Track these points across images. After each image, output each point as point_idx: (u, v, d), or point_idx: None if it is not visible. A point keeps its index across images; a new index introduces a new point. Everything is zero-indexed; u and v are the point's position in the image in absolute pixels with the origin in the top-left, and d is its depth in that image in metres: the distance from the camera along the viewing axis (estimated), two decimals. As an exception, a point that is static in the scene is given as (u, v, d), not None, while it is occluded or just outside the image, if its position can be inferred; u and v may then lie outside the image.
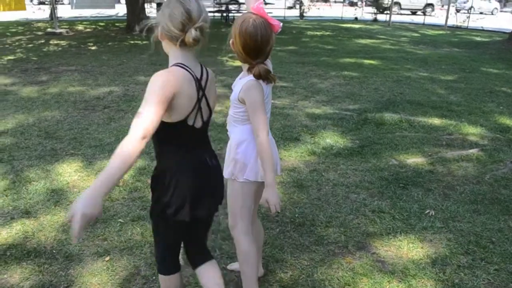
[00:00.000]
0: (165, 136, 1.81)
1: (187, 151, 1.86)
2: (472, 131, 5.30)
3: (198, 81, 1.79)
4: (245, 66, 2.12)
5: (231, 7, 19.03)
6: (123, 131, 5.07)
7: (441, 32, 17.44)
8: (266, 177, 2.03)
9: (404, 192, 3.75)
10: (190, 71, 1.75)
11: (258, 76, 2.03)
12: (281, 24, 2.10)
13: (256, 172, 2.15)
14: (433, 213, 3.42)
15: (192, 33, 1.67)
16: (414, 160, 4.41)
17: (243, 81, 2.09)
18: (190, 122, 1.79)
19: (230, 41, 2.06)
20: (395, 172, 4.11)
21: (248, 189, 2.21)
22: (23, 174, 3.97)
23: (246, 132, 2.15)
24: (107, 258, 2.82)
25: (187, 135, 1.83)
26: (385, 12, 21.91)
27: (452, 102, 6.59)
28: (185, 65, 1.74)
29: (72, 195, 3.60)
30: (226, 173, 2.23)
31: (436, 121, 5.64)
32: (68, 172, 4.04)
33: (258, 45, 2.00)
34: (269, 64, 2.15)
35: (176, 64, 1.73)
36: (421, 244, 3.03)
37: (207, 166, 1.93)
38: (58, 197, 3.58)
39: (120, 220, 3.25)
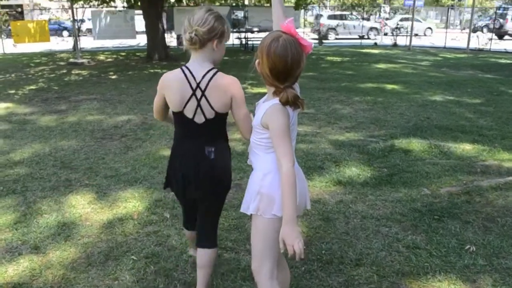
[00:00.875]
0: (174, 121, 2.24)
1: (184, 138, 2.21)
2: (508, 157, 4.96)
3: (196, 81, 2.09)
4: (270, 89, 1.91)
5: (250, 35, 19.10)
6: (140, 161, 4.91)
7: (463, 55, 17.12)
8: (285, 212, 1.79)
9: (440, 225, 3.44)
10: (188, 72, 2.09)
11: (285, 102, 1.82)
12: (313, 44, 1.90)
13: None
14: (474, 249, 3.10)
15: (186, 36, 2.05)
16: (448, 189, 4.10)
17: (267, 105, 1.89)
18: (188, 116, 2.13)
19: (256, 62, 1.87)
20: (429, 203, 3.81)
21: (276, 227, 1.90)
22: (35, 206, 3.80)
23: (272, 161, 1.92)
24: (118, 301, 2.59)
25: (187, 125, 2.16)
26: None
27: (482, 127, 6.27)
28: (186, 67, 2.11)
29: (84, 229, 3.41)
30: (250, 208, 2.00)
31: (468, 147, 5.32)
32: (82, 204, 3.86)
33: (288, 68, 1.80)
34: (297, 88, 1.94)
35: (181, 65, 2.12)
36: (464, 285, 2.72)
37: (198, 155, 2.18)
38: (69, 231, 3.39)
39: (133, 257, 3.03)
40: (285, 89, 1.82)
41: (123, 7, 20.16)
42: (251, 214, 2.03)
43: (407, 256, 3.03)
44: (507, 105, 7.82)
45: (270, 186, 1.93)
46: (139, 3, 16.95)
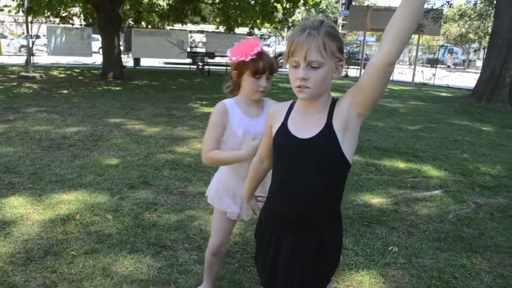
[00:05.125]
0: None
1: None
2: (436, 175, 5.38)
3: None
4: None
5: (207, 59, 19.41)
6: (87, 168, 4.95)
7: (408, 88, 18.13)
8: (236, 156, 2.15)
9: (368, 230, 3.71)
10: None
11: None
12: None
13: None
14: (396, 250, 3.39)
15: None
16: (379, 200, 4.41)
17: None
18: None
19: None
20: (360, 211, 4.09)
21: (215, 214, 2.47)
22: (-25, 207, 3.78)
23: None
24: (54, 290, 2.65)
25: None
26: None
27: (417, 149, 6.73)
28: None
29: (25, 227, 3.43)
30: None
31: (401, 165, 5.72)
32: (24, 205, 3.87)
33: None
34: None
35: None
36: (383, 279, 2.97)
37: None
38: (9, 229, 3.40)
39: (72, 252, 3.09)
40: None
41: (80, 25, 20.04)
42: None
43: (335, 255, 3.26)
44: (442, 132, 8.41)
45: None
46: (90, 21, 17.01)
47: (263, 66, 2.09)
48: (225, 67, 19.26)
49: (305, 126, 1.60)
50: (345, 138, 1.56)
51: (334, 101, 1.62)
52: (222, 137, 2.18)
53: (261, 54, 2.09)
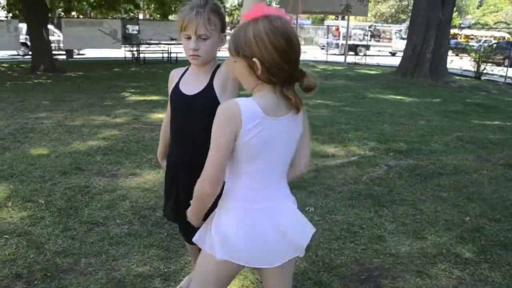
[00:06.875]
0: None
1: None
2: (356, 143, 5.85)
3: None
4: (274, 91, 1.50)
5: (142, 48, 19.16)
6: (18, 159, 4.96)
7: (340, 67, 18.86)
8: None
9: (289, 195, 4.06)
10: None
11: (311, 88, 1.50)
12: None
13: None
14: (313, 210, 3.76)
15: None
16: (302, 168, 4.78)
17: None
18: None
19: (235, 63, 1.52)
20: (283, 179, 4.43)
21: None
22: None
23: None
24: (-12, 270, 2.78)
25: None
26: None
27: (341, 122, 7.22)
28: None
29: (-45, 218, 3.49)
30: None
31: (324, 137, 6.15)
32: (-48, 198, 3.90)
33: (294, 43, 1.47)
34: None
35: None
36: (299, 234, 3.33)
37: None
38: None
39: (6, 236, 3.21)
40: (305, 74, 1.49)
41: (6, 17, 19.09)
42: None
43: (257, 218, 3.58)
44: (367, 106, 8.99)
45: None
46: (17, 12, 16.32)
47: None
48: (161, 55, 19.15)
49: (193, 85, 1.96)
50: (224, 96, 1.90)
51: (218, 66, 1.98)
52: None
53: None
